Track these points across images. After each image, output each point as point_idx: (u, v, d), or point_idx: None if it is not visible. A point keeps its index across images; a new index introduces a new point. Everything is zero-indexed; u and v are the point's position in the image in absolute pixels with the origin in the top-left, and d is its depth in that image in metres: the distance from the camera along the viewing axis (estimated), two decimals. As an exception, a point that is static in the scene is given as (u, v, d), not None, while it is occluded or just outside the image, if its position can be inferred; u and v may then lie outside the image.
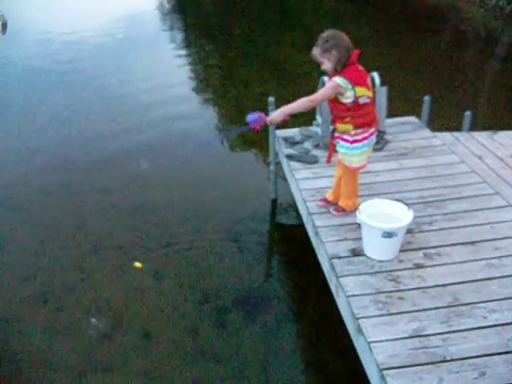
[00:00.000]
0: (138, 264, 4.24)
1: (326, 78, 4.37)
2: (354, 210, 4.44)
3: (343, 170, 4.44)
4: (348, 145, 4.20)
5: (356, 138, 4.14)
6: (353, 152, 4.22)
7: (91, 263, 5.54)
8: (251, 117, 4.13)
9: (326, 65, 4.00)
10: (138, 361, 4.37)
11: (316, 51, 4.01)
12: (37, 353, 4.49)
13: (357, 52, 3.97)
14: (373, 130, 4.20)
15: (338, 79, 3.93)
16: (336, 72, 3.97)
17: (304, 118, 6.14)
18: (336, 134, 4.28)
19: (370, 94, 4.09)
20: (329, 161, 4.57)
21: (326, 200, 4.75)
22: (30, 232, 6.10)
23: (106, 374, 4.27)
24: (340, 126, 4.19)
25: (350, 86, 3.93)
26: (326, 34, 3.97)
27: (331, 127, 4.43)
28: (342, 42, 3.92)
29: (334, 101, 4.10)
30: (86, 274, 5.38)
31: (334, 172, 4.71)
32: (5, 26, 15.54)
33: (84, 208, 6.55)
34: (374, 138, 4.28)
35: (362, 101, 4.02)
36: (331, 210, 4.62)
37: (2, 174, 7.49)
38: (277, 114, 4.17)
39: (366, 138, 4.17)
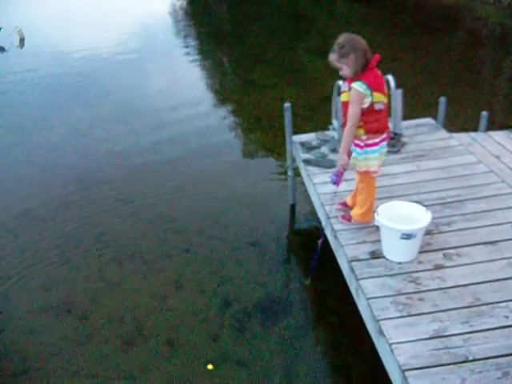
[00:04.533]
0: (210, 366, 4.41)
1: (341, 83, 4.33)
2: (362, 221, 4.46)
3: (359, 178, 4.42)
4: (359, 150, 4.16)
5: (367, 142, 4.10)
6: (364, 157, 4.17)
7: (113, 272, 5.62)
8: (334, 178, 4.27)
9: (345, 70, 3.92)
10: (161, 367, 4.41)
11: (333, 57, 3.93)
12: (61, 361, 4.55)
13: (377, 57, 3.91)
14: (384, 135, 4.16)
15: (357, 86, 3.87)
16: (356, 76, 3.90)
17: (320, 123, 6.14)
18: None
19: (386, 100, 4.05)
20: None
21: (345, 204, 4.76)
22: (52, 242, 6.19)
23: (129, 381, 4.32)
24: None
25: (368, 92, 3.88)
26: (341, 38, 3.90)
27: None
28: (359, 45, 3.86)
29: (349, 104, 4.03)
30: (108, 283, 5.45)
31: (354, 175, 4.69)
32: (22, 40, 15.86)
33: (104, 217, 6.64)
34: (385, 145, 4.22)
35: (377, 107, 3.98)
36: (339, 214, 4.63)
37: (23, 185, 7.61)
38: (341, 158, 4.15)
39: (376, 144, 4.11)
